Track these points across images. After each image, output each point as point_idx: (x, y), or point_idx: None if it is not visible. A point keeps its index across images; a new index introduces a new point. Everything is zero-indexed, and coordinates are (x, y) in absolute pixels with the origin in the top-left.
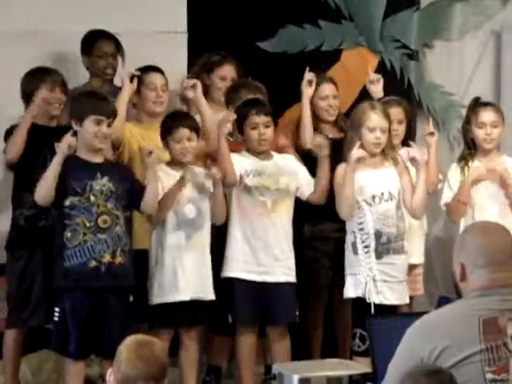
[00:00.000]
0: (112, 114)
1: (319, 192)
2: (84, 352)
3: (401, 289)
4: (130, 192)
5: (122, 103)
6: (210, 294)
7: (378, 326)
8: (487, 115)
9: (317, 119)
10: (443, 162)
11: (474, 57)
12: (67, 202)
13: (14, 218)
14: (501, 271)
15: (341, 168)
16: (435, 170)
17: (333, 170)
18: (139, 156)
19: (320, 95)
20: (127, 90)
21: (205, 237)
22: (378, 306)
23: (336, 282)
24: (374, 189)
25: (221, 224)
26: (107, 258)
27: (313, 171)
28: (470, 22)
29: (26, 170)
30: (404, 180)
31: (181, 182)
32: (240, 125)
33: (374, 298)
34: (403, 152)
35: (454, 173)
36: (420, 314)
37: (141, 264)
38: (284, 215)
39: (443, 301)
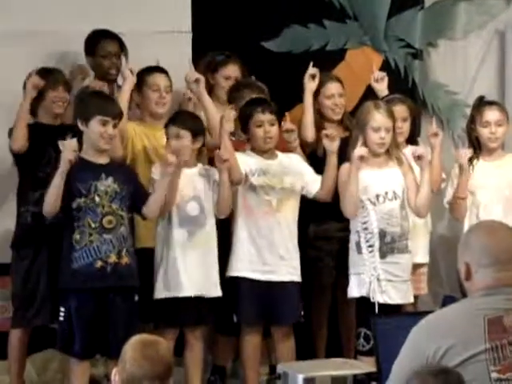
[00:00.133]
0: (118, 115)
1: (326, 188)
2: (89, 352)
3: (405, 288)
4: (133, 195)
5: (124, 95)
6: (214, 292)
7: (383, 325)
8: (492, 114)
9: (322, 118)
10: (447, 161)
11: (478, 56)
12: (74, 205)
13: (20, 215)
14: (505, 270)
15: (345, 167)
16: (439, 170)
17: (338, 168)
18: (143, 156)
19: (326, 94)
20: (129, 82)
21: (209, 234)
22: (382, 306)
23: (340, 282)
24: (379, 188)
25: (224, 217)
26: (113, 258)
27: (318, 171)
28: (474, 21)
29: (31, 168)
30: (408, 179)
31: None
32: (244, 124)
33: (378, 298)
34: (408, 150)
35: (458, 172)
36: (425, 314)
37: (144, 263)
38: (289, 214)
39: (448, 300)
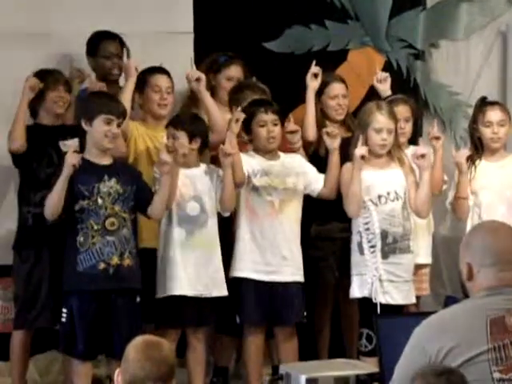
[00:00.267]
0: (122, 114)
1: (330, 186)
2: (91, 353)
3: (407, 288)
4: (137, 195)
5: (127, 94)
6: (218, 291)
7: (385, 325)
8: (494, 114)
9: (325, 118)
10: (450, 161)
11: (480, 57)
12: (77, 207)
13: (21, 216)
14: (507, 270)
15: (347, 167)
16: (440, 172)
17: (341, 165)
18: (145, 156)
19: (330, 94)
20: (132, 81)
21: (210, 234)
22: (385, 306)
23: (342, 282)
24: (380, 189)
25: (228, 214)
26: (115, 260)
27: (320, 170)
28: (476, 21)
29: (32, 168)
30: (410, 180)
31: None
32: (247, 124)
33: (380, 298)
34: (410, 151)
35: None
36: (427, 314)
37: (147, 263)
38: (292, 215)
39: (450, 301)
